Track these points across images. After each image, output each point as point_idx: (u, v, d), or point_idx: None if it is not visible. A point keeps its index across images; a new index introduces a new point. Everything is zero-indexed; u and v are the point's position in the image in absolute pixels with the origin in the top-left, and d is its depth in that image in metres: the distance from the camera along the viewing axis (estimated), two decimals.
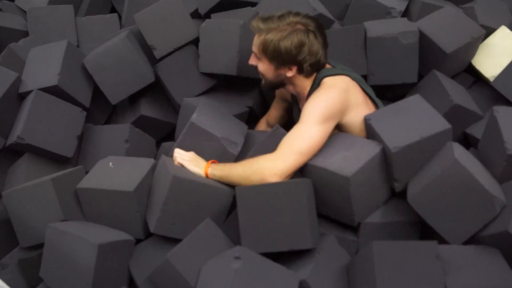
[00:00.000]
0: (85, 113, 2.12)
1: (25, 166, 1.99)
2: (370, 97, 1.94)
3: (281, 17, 1.86)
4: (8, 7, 2.66)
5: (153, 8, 2.20)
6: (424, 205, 1.59)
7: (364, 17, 2.30)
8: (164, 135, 2.43)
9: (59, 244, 1.60)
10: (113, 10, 2.82)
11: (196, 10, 2.49)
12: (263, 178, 1.67)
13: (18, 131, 1.92)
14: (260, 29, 1.86)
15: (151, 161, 1.80)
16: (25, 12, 2.59)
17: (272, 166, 1.68)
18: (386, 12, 2.33)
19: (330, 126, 1.77)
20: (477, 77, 2.30)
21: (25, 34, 2.48)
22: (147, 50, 2.27)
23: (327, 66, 1.95)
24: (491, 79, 2.16)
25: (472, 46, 2.20)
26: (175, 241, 1.64)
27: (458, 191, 1.53)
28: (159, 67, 2.26)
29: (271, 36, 1.83)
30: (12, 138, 1.95)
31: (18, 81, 2.06)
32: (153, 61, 2.29)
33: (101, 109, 2.31)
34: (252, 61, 1.95)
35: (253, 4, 2.42)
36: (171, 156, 1.82)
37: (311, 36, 1.84)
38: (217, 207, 1.71)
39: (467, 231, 1.55)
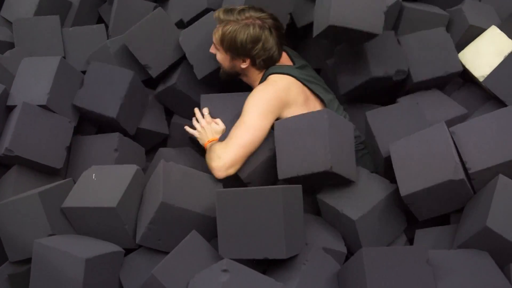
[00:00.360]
0: (73, 123, 2.10)
1: (14, 178, 1.97)
2: (317, 95, 2.04)
3: (241, 10, 1.97)
4: None
5: (141, 26, 2.21)
6: None
7: None
8: (154, 144, 2.42)
9: (47, 260, 1.58)
10: (100, 20, 2.80)
11: (181, 20, 2.50)
12: (212, 172, 1.83)
13: (6, 143, 1.90)
14: (220, 20, 1.99)
15: (133, 168, 1.79)
16: (10, 23, 2.57)
17: (217, 162, 1.82)
18: None
19: (269, 120, 1.89)
20: (466, 77, 2.30)
21: (11, 45, 2.45)
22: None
23: (286, 61, 2.08)
24: (481, 79, 2.16)
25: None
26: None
27: None
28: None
29: (228, 28, 1.96)
30: (0, 151, 1.92)
31: (5, 93, 2.04)
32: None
33: (91, 122, 2.31)
34: (212, 49, 2.08)
35: None
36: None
37: (267, 32, 1.96)
38: (204, 226, 1.71)
39: None
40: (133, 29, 2.22)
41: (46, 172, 2.04)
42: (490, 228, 1.44)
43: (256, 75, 2.08)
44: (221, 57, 2.06)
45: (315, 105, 2.02)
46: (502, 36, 2.19)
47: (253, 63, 2.03)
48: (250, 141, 1.84)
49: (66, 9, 2.67)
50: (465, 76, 2.30)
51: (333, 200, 1.75)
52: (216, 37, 2.01)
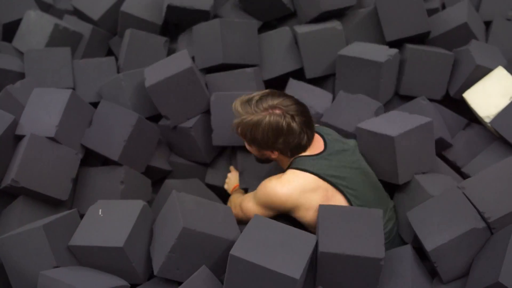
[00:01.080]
0: (80, 155, 2.11)
1: (19, 209, 1.97)
2: (342, 193, 1.84)
3: (259, 100, 1.82)
4: (5, 48, 2.66)
5: (167, 80, 2.20)
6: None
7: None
8: (160, 177, 2.43)
9: None
10: (109, 53, 2.83)
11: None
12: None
13: (13, 174, 1.90)
14: (238, 113, 1.84)
15: (140, 204, 1.78)
16: (22, 53, 2.61)
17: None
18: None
19: (268, 213, 1.86)
20: (471, 117, 2.32)
21: (22, 75, 2.47)
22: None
23: (317, 146, 1.89)
24: (486, 119, 2.17)
25: None
26: (176, 283, 1.66)
27: None
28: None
29: (247, 123, 1.81)
30: (7, 181, 1.93)
31: (14, 124, 2.05)
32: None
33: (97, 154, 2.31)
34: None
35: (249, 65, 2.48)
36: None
37: (289, 119, 1.79)
38: (225, 251, 1.68)
39: None
40: (160, 81, 2.20)
41: (52, 203, 2.04)
42: (502, 283, 1.42)
43: (286, 161, 1.92)
44: (249, 148, 1.95)
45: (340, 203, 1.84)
46: (509, 77, 2.20)
47: (283, 153, 1.88)
48: (246, 216, 1.93)
49: (76, 41, 2.70)
50: (470, 115, 2.31)
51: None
52: (238, 131, 1.88)
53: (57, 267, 1.69)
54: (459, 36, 2.43)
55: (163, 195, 2.25)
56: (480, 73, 2.26)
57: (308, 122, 1.84)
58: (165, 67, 2.26)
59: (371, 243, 1.57)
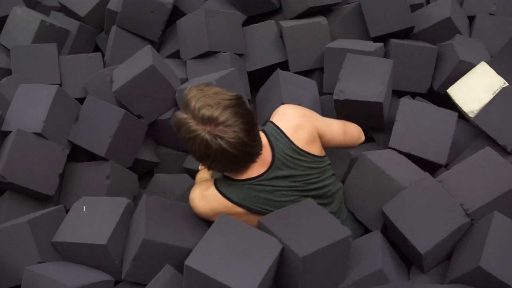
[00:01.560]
0: (67, 151, 2.12)
1: (6, 204, 1.99)
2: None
3: (209, 107, 1.56)
4: None
5: (131, 82, 2.20)
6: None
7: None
8: (147, 170, 2.44)
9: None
10: (96, 49, 2.84)
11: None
12: None
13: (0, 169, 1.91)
14: (186, 104, 1.61)
15: (124, 201, 1.79)
16: (8, 49, 2.61)
17: None
18: None
19: None
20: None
21: (8, 72, 2.48)
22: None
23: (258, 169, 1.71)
24: (470, 114, 2.18)
25: None
26: None
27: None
28: None
29: (184, 128, 1.61)
30: None
31: (0, 119, 2.06)
32: None
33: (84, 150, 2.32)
34: None
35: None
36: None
37: (224, 145, 1.55)
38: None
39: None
40: (125, 84, 2.21)
41: (39, 198, 2.05)
42: (483, 268, 1.44)
43: None
44: None
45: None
46: (491, 72, 2.21)
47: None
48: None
49: (63, 37, 2.71)
50: (455, 110, 2.33)
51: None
52: (173, 124, 1.66)
53: (41, 262, 1.70)
54: (443, 31, 2.45)
55: (151, 190, 2.27)
56: (464, 68, 2.27)
57: (249, 150, 1.61)
58: (129, 67, 2.27)
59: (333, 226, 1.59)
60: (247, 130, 1.57)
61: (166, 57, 2.60)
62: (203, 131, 1.53)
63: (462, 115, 2.28)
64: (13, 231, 1.71)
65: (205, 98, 1.55)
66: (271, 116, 1.83)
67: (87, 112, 2.20)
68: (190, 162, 2.42)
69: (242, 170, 1.69)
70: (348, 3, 2.63)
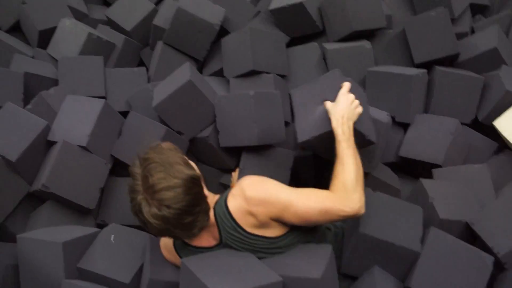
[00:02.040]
0: (109, 165, 2.14)
1: (46, 213, 2.02)
2: None
3: (154, 174, 1.54)
4: (40, 54, 2.72)
5: (170, 97, 2.21)
6: None
7: None
8: None
9: (30, 251, 1.68)
10: (140, 63, 2.88)
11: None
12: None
13: (43, 179, 1.95)
14: (134, 171, 1.61)
15: (147, 237, 1.82)
16: (56, 60, 2.66)
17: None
18: None
19: None
20: (503, 143, 2.30)
21: (55, 82, 2.52)
22: None
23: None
24: None
25: None
26: None
27: None
28: None
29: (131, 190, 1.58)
30: (37, 185, 1.98)
31: (47, 129, 2.10)
32: None
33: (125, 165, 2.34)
34: None
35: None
36: None
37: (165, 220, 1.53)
38: None
39: None
40: (163, 100, 2.22)
41: (78, 210, 2.07)
42: None
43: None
44: None
45: None
46: None
47: None
48: None
49: (109, 50, 2.76)
50: (502, 141, 2.29)
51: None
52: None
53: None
54: (489, 61, 2.42)
55: None
56: (510, 99, 2.24)
57: (187, 223, 1.54)
58: (168, 84, 2.29)
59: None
60: (190, 201, 1.52)
61: (209, 75, 2.62)
62: (147, 205, 1.49)
63: (507, 146, 2.25)
64: (46, 247, 1.73)
65: (164, 169, 1.53)
66: (232, 189, 1.69)
67: (130, 127, 2.22)
68: (226, 178, 2.43)
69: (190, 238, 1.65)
70: (391, 29, 2.62)
